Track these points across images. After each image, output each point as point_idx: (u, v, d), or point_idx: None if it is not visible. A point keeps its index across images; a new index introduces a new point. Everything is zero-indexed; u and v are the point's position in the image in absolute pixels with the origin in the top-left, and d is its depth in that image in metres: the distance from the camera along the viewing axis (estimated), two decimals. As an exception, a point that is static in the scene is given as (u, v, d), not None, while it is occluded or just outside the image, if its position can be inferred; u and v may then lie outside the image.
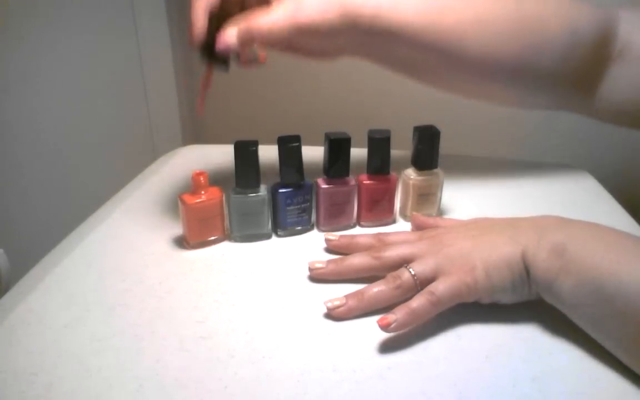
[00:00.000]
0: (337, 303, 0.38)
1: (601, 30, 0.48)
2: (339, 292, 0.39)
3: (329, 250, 0.46)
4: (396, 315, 0.35)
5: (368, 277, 0.41)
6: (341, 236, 0.46)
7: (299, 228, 0.49)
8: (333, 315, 0.38)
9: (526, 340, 0.35)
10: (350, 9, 0.43)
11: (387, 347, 0.35)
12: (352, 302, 0.38)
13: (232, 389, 0.31)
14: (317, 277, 0.42)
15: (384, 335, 0.36)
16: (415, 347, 0.35)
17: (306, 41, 0.44)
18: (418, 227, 0.47)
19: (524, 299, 0.37)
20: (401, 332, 0.35)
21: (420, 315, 0.35)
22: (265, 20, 0.42)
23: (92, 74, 0.96)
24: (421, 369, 0.33)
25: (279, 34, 0.42)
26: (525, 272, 0.36)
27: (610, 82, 0.49)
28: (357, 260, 0.41)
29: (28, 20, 0.81)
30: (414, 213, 0.49)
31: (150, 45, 1.13)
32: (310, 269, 0.42)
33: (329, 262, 0.42)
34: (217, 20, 0.43)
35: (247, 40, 0.42)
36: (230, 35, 0.42)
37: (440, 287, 0.36)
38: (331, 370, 0.33)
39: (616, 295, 0.31)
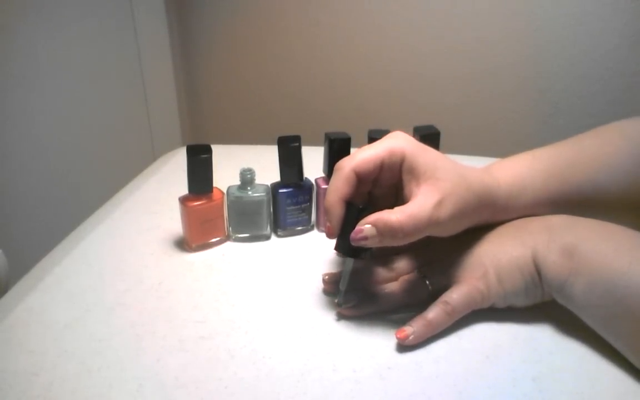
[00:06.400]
0: (349, 301, 0.38)
1: None
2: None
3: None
4: (413, 328, 0.35)
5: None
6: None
7: (299, 228, 0.49)
8: (344, 313, 0.38)
9: (526, 340, 0.35)
10: (491, 198, 0.38)
11: (387, 347, 0.35)
12: (363, 301, 0.38)
13: (232, 389, 0.31)
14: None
15: (384, 335, 0.36)
16: (415, 347, 0.35)
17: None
18: None
19: (538, 301, 0.37)
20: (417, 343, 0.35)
21: (437, 326, 0.35)
22: (404, 217, 0.35)
23: (92, 74, 0.97)
24: (421, 369, 0.33)
25: (420, 231, 0.35)
26: (537, 274, 0.36)
27: None
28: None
29: (27, 22, 0.81)
30: None
31: (149, 45, 1.13)
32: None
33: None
34: (355, 212, 0.37)
35: (387, 235, 0.35)
36: (368, 228, 0.35)
37: (454, 296, 0.36)
38: (331, 370, 0.33)
39: (628, 295, 0.31)
